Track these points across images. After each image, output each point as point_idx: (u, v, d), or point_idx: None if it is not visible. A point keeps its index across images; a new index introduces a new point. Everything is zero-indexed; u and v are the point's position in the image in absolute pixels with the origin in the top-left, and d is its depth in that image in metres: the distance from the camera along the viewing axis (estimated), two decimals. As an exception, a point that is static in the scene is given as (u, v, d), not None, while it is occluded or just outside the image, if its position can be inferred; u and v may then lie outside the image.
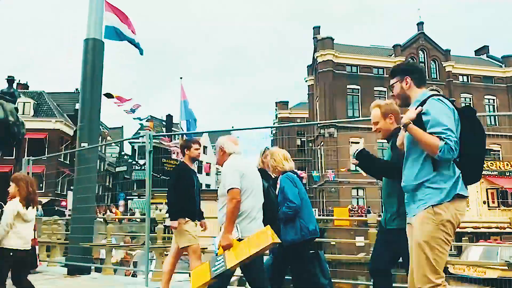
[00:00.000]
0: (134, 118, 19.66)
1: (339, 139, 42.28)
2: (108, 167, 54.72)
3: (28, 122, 38.79)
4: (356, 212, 29.96)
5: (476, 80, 47.40)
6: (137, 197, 43.12)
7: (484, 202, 23.97)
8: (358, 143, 42.64)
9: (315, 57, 44.82)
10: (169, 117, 49.28)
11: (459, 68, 46.82)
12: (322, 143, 44.45)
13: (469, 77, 47.38)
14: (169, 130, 49.64)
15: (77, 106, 44.24)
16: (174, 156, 31.83)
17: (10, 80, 12.75)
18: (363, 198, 42.78)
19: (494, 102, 47.57)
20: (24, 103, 39.89)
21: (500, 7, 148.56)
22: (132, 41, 13.41)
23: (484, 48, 52.75)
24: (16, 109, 13.17)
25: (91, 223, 6.98)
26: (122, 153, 57.25)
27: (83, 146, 7.00)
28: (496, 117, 46.94)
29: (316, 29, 47.76)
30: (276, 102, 66.56)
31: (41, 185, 37.32)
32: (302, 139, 64.17)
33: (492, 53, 52.67)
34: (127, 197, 43.46)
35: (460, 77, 47.02)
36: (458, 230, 2.78)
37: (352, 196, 41.83)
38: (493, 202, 24.08)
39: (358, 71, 44.57)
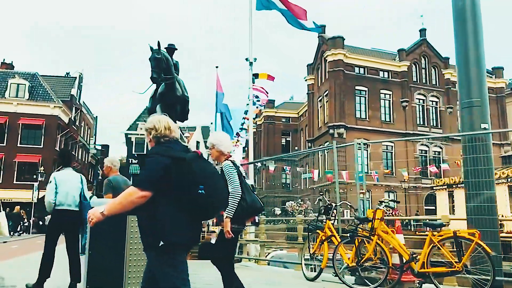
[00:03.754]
0: (259, 105, 17.29)
1: (347, 140, 42.03)
2: (92, 159, 51.03)
3: (23, 106, 35.41)
4: (390, 214, 29.60)
5: (471, 89, 48.94)
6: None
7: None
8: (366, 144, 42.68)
9: (324, 56, 44.17)
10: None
11: (456, 76, 48.06)
12: (327, 143, 43.98)
13: (464, 85, 48.81)
14: (166, 123, 47.08)
15: (73, 91, 41.00)
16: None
17: (171, 49, 10.70)
18: (369, 200, 42.86)
19: (485, 111, 49.35)
20: (18, 84, 36.07)
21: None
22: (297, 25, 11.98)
23: (473, 59, 54.64)
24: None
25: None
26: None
27: (484, 128, 5.64)
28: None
29: (322, 28, 47.20)
30: (263, 100, 65.35)
31: (34, 176, 33.84)
32: (287, 139, 63.74)
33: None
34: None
35: (457, 85, 48.30)
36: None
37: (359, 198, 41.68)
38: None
39: (366, 72, 44.56)
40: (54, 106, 36.41)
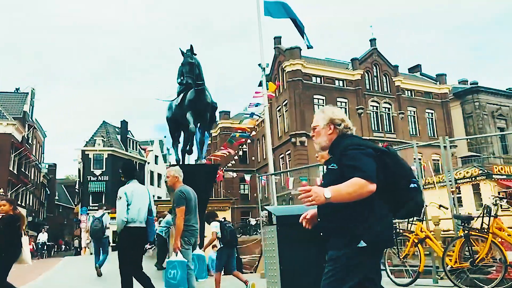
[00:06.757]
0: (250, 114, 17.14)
1: (308, 148, 42.83)
2: (43, 178, 48.32)
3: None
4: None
5: (419, 95, 51.62)
6: (96, 211, 38.54)
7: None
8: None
9: (282, 67, 44.93)
10: (124, 123, 45.38)
11: (406, 83, 50.56)
12: (289, 152, 44.63)
13: (413, 92, 51.39)
14: (124, 137, 45.66)
15: (25, 107, 38.75)
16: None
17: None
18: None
19: (432, 116, 52.10)
20: (-35, 102, 33.59)
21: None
22: (301, 26, 12.15)
23: (417, 67, 57.71)
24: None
25: None
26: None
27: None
28: (435, 129, 51.41)
29: (277, 39, 48.03)
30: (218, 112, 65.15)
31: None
32: (244, 150, 63.77)
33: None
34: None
35: (407, 92, 50.75)
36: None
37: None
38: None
39: (322, 82, 45.74)
40: (7, 124, 34.21)
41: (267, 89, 12.09)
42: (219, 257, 6.78)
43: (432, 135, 50.77)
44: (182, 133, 10.75)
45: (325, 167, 2.92)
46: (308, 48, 13.20)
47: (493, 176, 26.40)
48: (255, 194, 56.20)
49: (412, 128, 50.22)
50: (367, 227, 2.53)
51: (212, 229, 6.84)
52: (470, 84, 55.05)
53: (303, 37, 12.69)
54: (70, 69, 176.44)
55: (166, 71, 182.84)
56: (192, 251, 6.00)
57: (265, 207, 4.42)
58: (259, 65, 11.72)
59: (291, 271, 3.74)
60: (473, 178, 26.61)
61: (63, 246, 52.64)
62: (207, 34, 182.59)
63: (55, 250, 44.64)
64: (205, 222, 7.28)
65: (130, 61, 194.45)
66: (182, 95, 9.76)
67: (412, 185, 2.60)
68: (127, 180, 5.98)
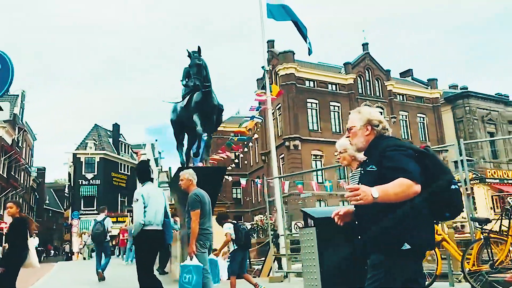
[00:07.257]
0: (251, 117, 17.02)
1: (302, 152, 42.88)
2: (33, 182, 47.63)
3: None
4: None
5: (410, 100, 51.96)
6: (88, 215, 38.13)
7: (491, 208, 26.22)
8: (320, 155, 43.72)
9: (276, 70, 44.95)
10: (116, 126, 44.97)
11: (398, 88, 50.88)
12: (282, 155, 44.54)
13: (404, 96, 51.74)
14: (116, 140, 45.25)
15: (16, 110, 38.19)
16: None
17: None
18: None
19: (424, 120, 52.49)
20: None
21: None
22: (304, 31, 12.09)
23: (409, 71, 58.12)
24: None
25: None
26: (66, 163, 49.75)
27: None
28: (427, 134, 51.79)
29: (270, 43, 48.04)
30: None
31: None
32: (236, 153, 63.60)
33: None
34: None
35: (399, 96, 51.07)
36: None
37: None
38: (498, 208, 26.39)
39: (316, 86, 45.85)
40: (-3, 126, 33.76)
41: (271, 91, 12.00)
42: (232, 259, 6.66)
43: (423, 139, 51.09)
44: (186, 135, 10.62)
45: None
46: (309, 54, 13.18)
47: (486, 180, 26.63)
48: (247, 198, 56.28)
49: (404, 133, 50.47)
50: (411, 229, 2.49)
51: (225, 230, 6.71)
52: (460, 88, 55.50)
53: (305, 41, 12.67)
54: (70, 69, 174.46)
55: (166, 71, 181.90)
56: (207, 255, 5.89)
57: (303, 209, 4.29)
58: (263, 67, 11.64)
59: (332, 273, 3.66)
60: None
61: (52, 251, 51.98)
62: (207, 34, 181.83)
63: (44, 255, 44.04)
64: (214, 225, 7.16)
65: (130, 61, 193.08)
66: (188, 97, 9.62)
67: (453, 187, 2.57)
68: (142, 182, 5.84)
